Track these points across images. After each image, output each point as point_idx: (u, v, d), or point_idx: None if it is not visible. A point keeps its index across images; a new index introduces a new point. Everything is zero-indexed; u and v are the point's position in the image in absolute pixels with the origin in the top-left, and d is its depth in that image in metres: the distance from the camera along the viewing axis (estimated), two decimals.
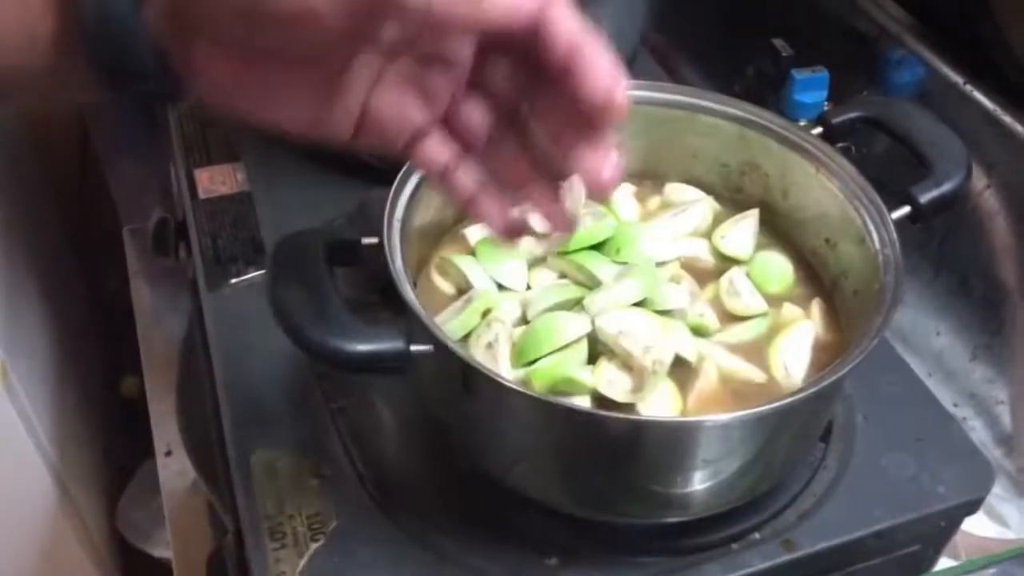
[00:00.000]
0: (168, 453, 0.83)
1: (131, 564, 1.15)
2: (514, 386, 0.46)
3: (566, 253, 0.58)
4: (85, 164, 1.32)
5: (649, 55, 0.94)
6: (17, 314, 1.00)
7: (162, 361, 0.95)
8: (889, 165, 0.77)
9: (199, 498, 0.79)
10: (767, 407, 0.45)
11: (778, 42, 0.83)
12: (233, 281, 0.70)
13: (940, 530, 0.60)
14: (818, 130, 0.60)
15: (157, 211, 0.87)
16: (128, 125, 0.98)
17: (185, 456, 0.80)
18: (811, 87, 0.80)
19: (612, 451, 0.48)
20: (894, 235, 0.52)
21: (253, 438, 0.60)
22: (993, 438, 0.79)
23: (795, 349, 0.55)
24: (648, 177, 0.65)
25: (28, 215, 1.14)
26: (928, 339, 0.82)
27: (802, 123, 0.63)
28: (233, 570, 0.61)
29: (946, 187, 0.54)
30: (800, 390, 0.46)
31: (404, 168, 0.55)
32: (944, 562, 0.65)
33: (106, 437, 1.23)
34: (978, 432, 0.79)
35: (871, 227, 0.54)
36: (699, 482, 0.50)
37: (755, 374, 0.54)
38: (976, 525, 0.74)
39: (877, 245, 0.53)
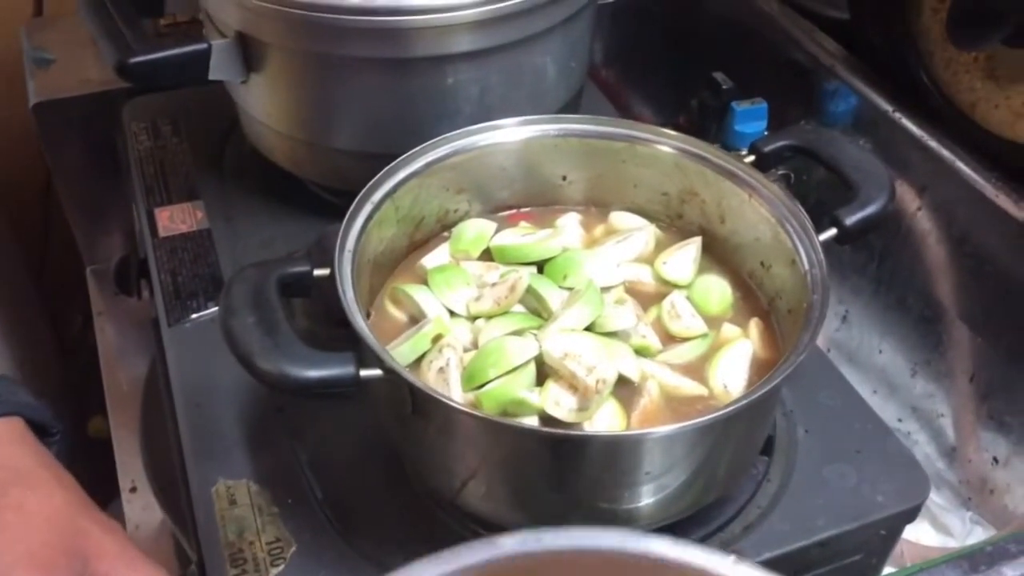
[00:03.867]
0: (133, 489, 0.83)
1: None
2: (459, 406, 0.48)
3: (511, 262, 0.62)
4: (47, 207, 1.33)
5: (599, 90, 0.97)
6: None
7: (126, 400, 0.95)
8: (827, 191, 0.81)
9: (164, 532, 0.80)
10: (706, 418, 0.48)
11: (719, 75, 0.86)
12: (193, 316, 0.71)
13: (882, 538, 0.63)
14: (751, 158, 0.63)
15: (119, 251, 0.89)
16: (89, 168, 0.99)
17: (149, 492, 0.81)
18: (751, 118, 0.84)
19: (558, 467, 0.50)
20: (821, 256, 0.55)
21: (214, 470, 0.62)
22: (937, 451, 0.82)
23: (734, 366, 0.58)
24: (593, 206, 0.68)
25: None
26: (871, 357, 0.85)
27: (743, 152, 0.66)
28: None
29: (870, 209, 0.57)
30: (736, 401, 0.49)
31: (356, 201, 0.57)
32: (890, 572, 0.68)
33: (74, 477, 1.22)
34: (922, 445, 0.82)
35: (800, 249, 0.57)
36: (645, 495, 0.52)
37: (696, 390, 0.56)
38: (921, 535, 0.77)
39: (806, 266, 0.56)
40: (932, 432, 0.81)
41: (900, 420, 0.83)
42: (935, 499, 0.79)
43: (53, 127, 0.95)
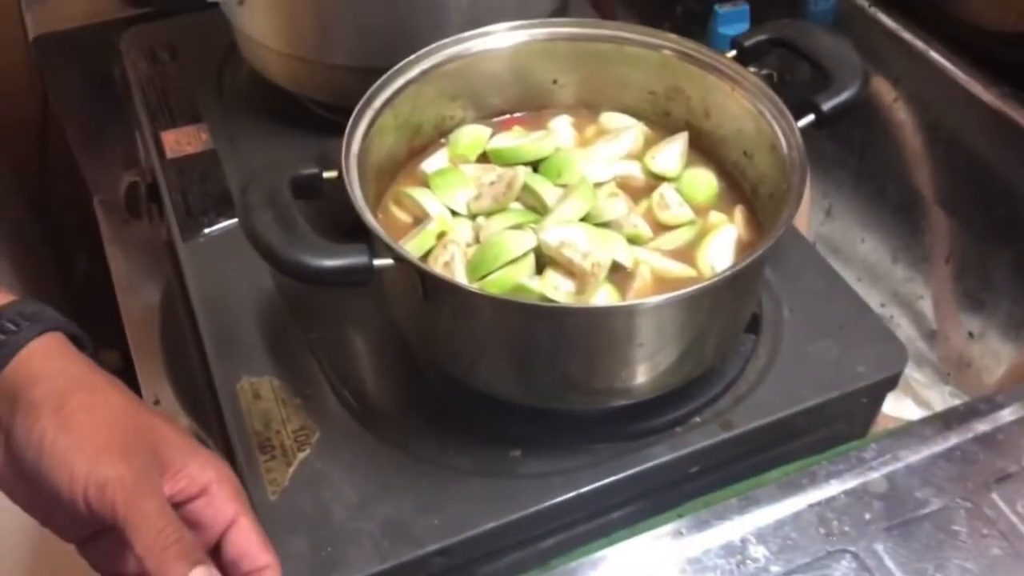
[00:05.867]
0: (156, 402, 0.88)
1: None
2: (467, 287, 0.52)
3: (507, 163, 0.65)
4: (44, 146, 1.35)
5: (584, 0, 0.99)
6: None
7: (142, 322, 0.99)
8: (811, 89, 0.84)
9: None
10: (693, 288, 0.51)
11: None
12: (206, 231, 0.75)
13: (863, 407, 0.67)
14: (732, 53, 0.66)
15: (127, 177, 0.92)
16: (89, 99, 1.01)
17: (172, 402, 0.85)
18: (733, 20, 0.86)
19: (557, 342, 0.54)
20: (799, 140, 0.58)
21: (238, 369, 0.66)
22: (918, 332, 0.86)
23: (720, 249, 0.62)
24: (584, 107, 0.71)
25: None
26: (854, 246, 0.89)
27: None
28: None
29: (845, 95, 0.60)
30: (721, 273, 0.53)
31: (357, 108, 0.60)
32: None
33: None
34: (904, 328, 0.87)
35: (780, 136, 0.60)
36: (639, 367, 0.56)
37: (686, 272, 0.60)
38: (904, 411, 0.82)
39: (785, 150, 0.59)
40: (913, 314, 0.86)
41: (883, 305, 0.87)
42: (917, 377, 0.84)
43: (53, 60, 0.97)
